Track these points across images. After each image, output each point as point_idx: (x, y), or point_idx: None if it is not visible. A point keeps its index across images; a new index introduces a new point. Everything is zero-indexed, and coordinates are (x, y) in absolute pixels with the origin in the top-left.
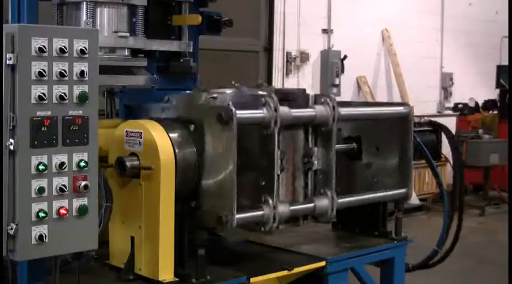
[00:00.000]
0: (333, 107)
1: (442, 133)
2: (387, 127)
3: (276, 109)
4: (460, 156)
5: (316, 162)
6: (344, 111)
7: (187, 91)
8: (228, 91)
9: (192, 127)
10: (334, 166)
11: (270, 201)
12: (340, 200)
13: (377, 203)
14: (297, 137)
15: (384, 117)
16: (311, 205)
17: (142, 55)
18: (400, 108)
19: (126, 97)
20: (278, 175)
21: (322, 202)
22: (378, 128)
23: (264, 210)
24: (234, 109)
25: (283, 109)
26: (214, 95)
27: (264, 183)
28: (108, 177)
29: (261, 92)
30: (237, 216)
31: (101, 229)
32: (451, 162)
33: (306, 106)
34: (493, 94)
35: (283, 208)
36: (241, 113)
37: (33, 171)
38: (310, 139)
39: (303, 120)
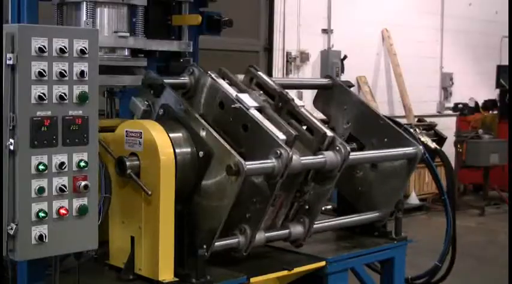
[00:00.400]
0: (344, 157)
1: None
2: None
3: (287, 166)
4: (453, 188)
5: (306, 196)
6: (353, 156)
7: None
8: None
9: (201, 153)
10: (323, 204)
11: (249, 232)
12: (316, 225)
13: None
14: (296, 179)
15: (392, 158)
16: (286, 231)
17: (142, 55)
18: (409, 149)
19: (126, 97)
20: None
21: (297, 229)
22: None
23: (240, 238)
24: (244, 163)
25: (294, 158)
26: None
27: (249, 216)
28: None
29: (280, 136)
30: (248, 166)
31: (100, 221)
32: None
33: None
34: (493, 94)
35: (259, 236)
36: (251, 165)
37: (33, 171)
38: (309, 179)
39: (311, 167)
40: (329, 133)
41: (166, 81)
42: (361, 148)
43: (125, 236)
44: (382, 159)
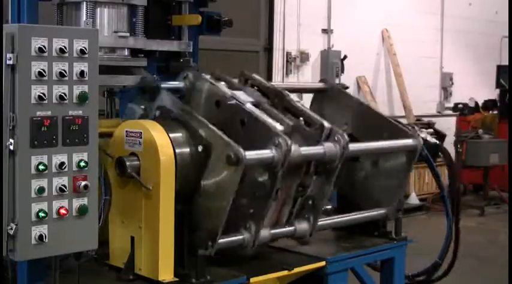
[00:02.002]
0: (343, 147)
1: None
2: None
3: (286, 155)
4: (458, 186)
5: (309, 191)
6: (353, 147)
7: None
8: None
9: (200, 148)
10: (327, 199)
11: (253, 228)
12: (321, 222)
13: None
14: (298, 170)
15: (391, 150)
16: (291, 228)
17: (142, 55)
18: (408, 141)
19: (126, 97)
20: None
21: (303, 226)
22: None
23: (244, 234)
24: (243, 152)
25: (294, 149)
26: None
27: (252, 211)
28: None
29: (277, 127)
30: (248, 156)
31: (100, 224)
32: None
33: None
34: (493, 94)
35: (264, 233)
36: (250, 155)
37: (33, 171)
38: (310, 171)
39: (311, 158)
40: (326, 124)
41: (163, 85)
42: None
43: (125, 236)
44: (382, 150)
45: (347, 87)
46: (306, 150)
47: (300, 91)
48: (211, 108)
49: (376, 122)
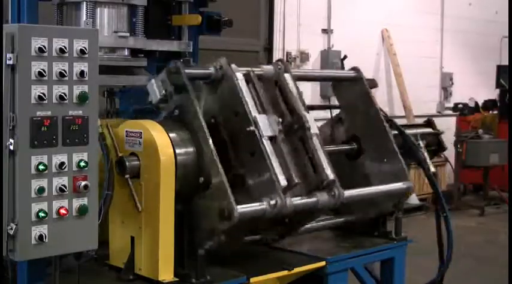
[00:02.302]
0: (336, 203)
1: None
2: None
3: (277, 213)
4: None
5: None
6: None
7: None
8: None
9: (201, 179)
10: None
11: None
12: (318, 224)
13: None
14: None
15: (382, 194)
16: (314, 199)
17: (142, 55)
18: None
19: (126, 97)
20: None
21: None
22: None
23: (264, 202)
24: (236, 209)
25: (288, 203)
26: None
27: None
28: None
29: (281, 182)
30: (239, 210)
31: (100, 219)
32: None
33: None
34: (493, 94)
35: (288, 202)
36: (243, 208)
37: (33, 171)
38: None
39: (301, 208)
40: (330, 176)
41: (190, 71)
42: (358, 151)
43: (125, 236)
44: (373, 195)
45: (375, 86)
46: (299, 201)
47: (332, 79)
48: (230, 110)
49: (380, 139)
